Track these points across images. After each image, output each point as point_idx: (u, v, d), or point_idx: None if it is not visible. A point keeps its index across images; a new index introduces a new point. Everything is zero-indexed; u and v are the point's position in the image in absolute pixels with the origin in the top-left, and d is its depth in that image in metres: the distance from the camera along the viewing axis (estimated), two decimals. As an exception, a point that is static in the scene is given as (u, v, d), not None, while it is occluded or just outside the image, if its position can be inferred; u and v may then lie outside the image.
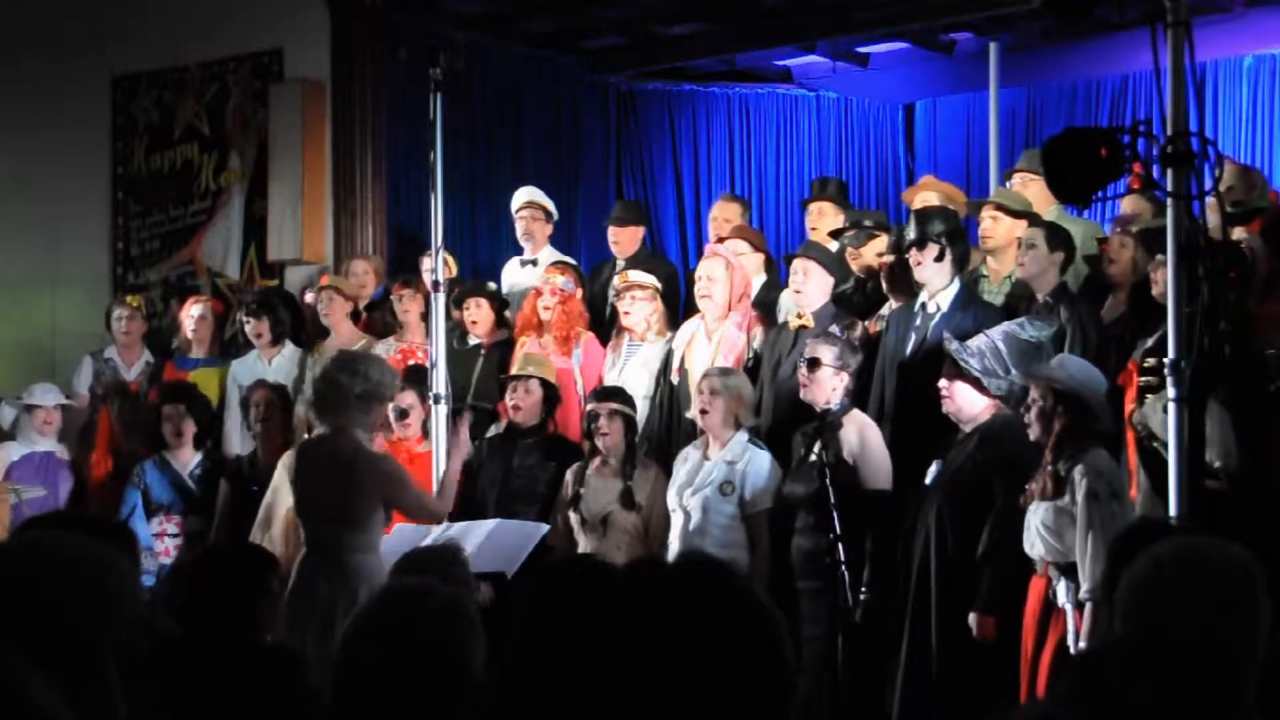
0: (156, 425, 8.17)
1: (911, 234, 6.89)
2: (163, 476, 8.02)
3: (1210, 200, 5.22)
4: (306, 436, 7.86)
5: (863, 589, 6.18)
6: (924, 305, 6.89)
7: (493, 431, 7.65)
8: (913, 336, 6.87)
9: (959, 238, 6.96)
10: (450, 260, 8.79)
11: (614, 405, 7.04)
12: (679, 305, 8.47)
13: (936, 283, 6.84)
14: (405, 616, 3.08)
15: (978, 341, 6.26)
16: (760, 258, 8.16)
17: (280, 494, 7.44)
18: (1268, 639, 2.57)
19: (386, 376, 6.12)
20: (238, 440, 8.41)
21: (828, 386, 6.53)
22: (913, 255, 6.86)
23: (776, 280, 8.20)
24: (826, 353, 6.57)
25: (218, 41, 9.92)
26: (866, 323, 7.19)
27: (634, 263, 8.40)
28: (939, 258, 6.81)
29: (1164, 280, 5.38)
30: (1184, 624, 2.54)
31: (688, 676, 1.74)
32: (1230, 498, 5.61)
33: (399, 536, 6.17)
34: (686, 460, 6.84)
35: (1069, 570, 5.54)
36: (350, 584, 5.65)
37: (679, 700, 1.74)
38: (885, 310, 7.25)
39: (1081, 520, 5.46)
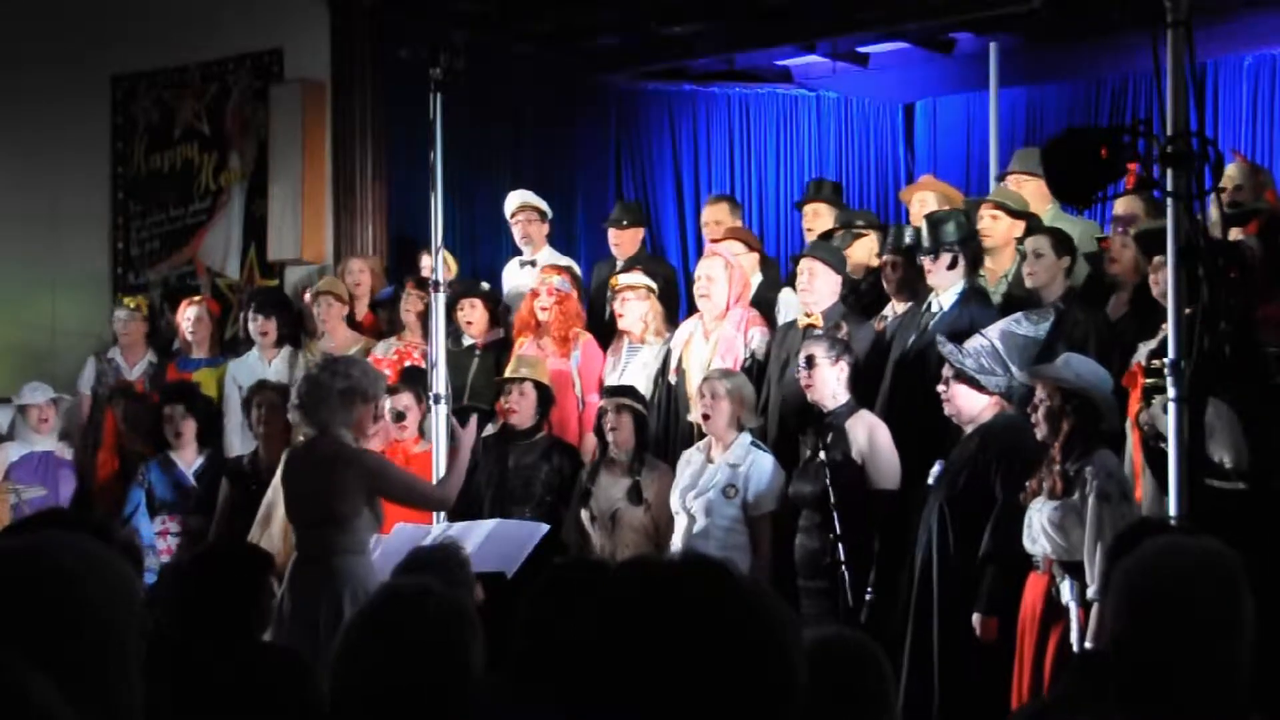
0: (158, 425, 8.19)
1: (925, 242, 6.91)
2: (165, 476, 8.05)
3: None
4: (300, 439, 7.88)
5: (868, 589, 6.19)
6: (929, 306, 6.94)
7: (489, 431, 7.65)
8: (913, 336, 6.89)
9: (972, 240, 7.01)
10: (450, 260, 8.78)
11: (622, 401, 7.05)
12: (678, 306, 8.45)
13: (946, 285, 6.89)
14: (405, 617, 3.08)
15: (974, 342, 6.27)
16: (755, 257, 8.15)
17: (280, 493, 7.45)
18: (1253, 630, 2.58)
19: (369, 376, 6.12)
20: (238, 440, 8.41)
21: (830, 380, 6.59)
22: (926, 263, 6.89)
23: (775, 279, 8.19)
24: (818, 348, 6.64)
25: (218, 41, 9.92)
26: (872, 322, 7.20)
27: (634, 264, 8.38)
28: (952, 265, 6.85)
29: (1163, 280, 5.37)
30: (1168, 618, 2.56)
31: (687, 676, 1.74)
32: (1239, 496, 5.59)
33: (399, 536, 6.16)
34: (690, 463, 6.86)
35: (1073, 569, 5.53)
36: (333, 586, 5.60)
37: (679, 700, 1.74)
38: (888, 310, 7.26)
39: (1092, 520, 5.45)
